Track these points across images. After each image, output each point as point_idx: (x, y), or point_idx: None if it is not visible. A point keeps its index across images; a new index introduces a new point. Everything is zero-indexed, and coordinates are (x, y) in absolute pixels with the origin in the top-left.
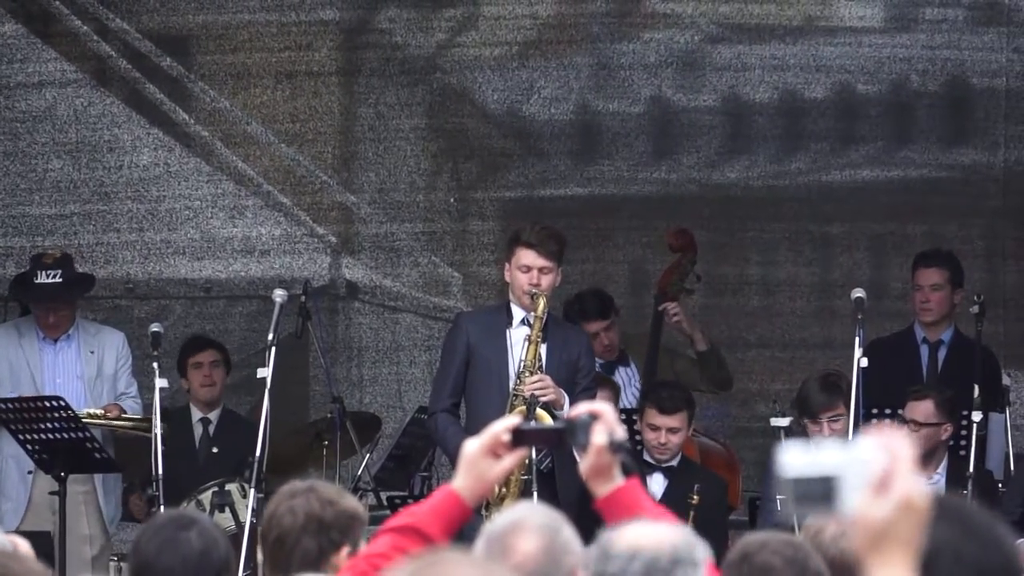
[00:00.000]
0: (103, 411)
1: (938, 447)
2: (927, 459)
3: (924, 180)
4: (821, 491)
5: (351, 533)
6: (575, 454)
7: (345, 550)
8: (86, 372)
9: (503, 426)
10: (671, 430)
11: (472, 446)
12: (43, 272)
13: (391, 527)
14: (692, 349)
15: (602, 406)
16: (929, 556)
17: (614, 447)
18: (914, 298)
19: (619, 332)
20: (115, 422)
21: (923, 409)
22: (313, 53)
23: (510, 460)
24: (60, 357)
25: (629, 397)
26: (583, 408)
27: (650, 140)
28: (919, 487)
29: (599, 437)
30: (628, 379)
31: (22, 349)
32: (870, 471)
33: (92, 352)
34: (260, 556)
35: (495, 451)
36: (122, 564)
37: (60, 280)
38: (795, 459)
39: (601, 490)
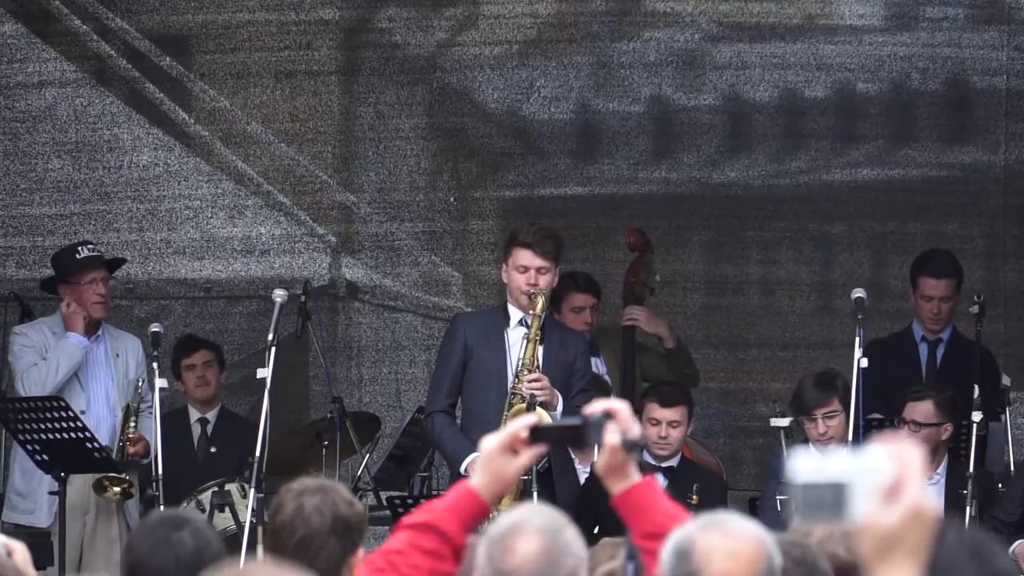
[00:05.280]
0: (130, 441)
1: (938, 447)
2: (928, 459)
3: (924, 179)
4: (830, 498)
5: (363, 535)
6: (570, 452)
7: (361, 552)
8: (115, 375)
9: (522, 424)
10: (672, 423)
11: (490, 443)
12: (83, 248)
13: (409, 524)
14: (661, 346)
15: (617, 404)
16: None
17: (627, 446)
18: (920, 306)
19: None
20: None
21: (923, 410)
22: (313, 52)
23: (527, 457)
24: (92, 357)
25: None
26: (599, 406)
27: (650, 139)
28: (928, 497)
29: (612, 436)
30: (597, 369)
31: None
32: (879, 479)
33: (117, 355)
34: (260, 555)
35: (513, 448)
36: None
37: (100, 253)
38: (805, 465)
39: (616, 487)
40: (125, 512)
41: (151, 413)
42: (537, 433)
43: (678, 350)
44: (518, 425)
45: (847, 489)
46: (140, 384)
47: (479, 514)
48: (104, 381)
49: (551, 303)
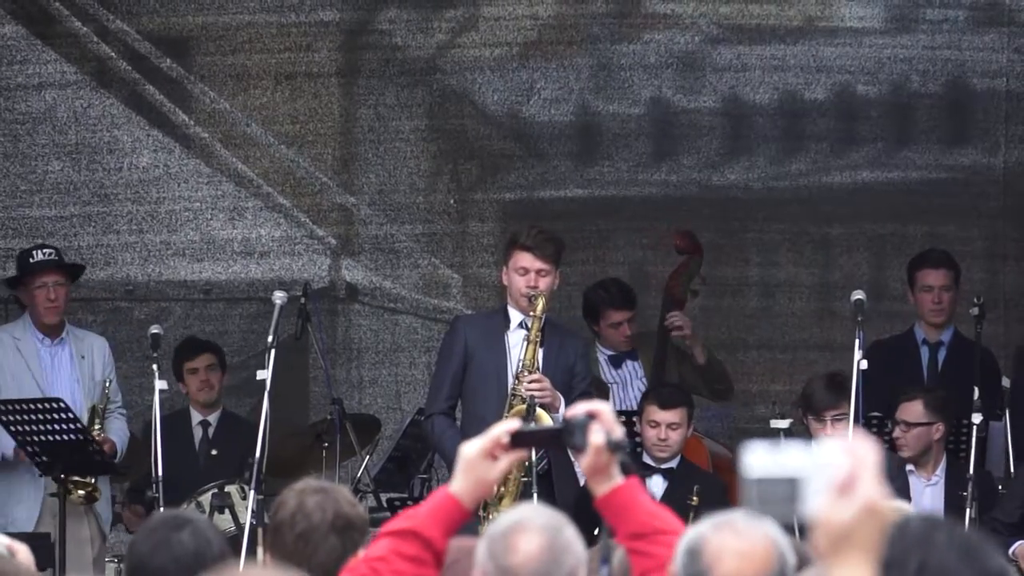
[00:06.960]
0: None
1: (932, 447)
2: (922, 460)
3: (924, 181)
4: (784, 492)
5: (365, 537)
6: (570, 454)
7: (362, 553)
8: (81, 377)
9: (503, 429)
10: (671, 425)
11: (471, 449)
12: (38, 251)
13: (390, 530)
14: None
15: (600, 405)
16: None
17: (612, 446)
18: (921, 300)
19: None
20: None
21: (912, 410)
22: (313, 54)
23: (507, 461)
24: (55, 360)
25: (635, 391)
26: (581, 408)
27: (650, 141)
28: (882, 493)
29: (596, 437)
30: (635, 372)
31: (20, 353)
32: (833, 474)
33: (83, 357)
34: (261, 556)
35: (493, 453)
36: (121, 565)
37: (55, 257)
38: (759, 460)
39: (600, 489)
40: (95, 514)
41: (122, 414)
42: (519, 437)
43: (709, 366)
44: (499, 430)
45: (801, 484)
46: (108, 385)
47: (460, 519)
48: (69, 384)
49: (590, 318)
